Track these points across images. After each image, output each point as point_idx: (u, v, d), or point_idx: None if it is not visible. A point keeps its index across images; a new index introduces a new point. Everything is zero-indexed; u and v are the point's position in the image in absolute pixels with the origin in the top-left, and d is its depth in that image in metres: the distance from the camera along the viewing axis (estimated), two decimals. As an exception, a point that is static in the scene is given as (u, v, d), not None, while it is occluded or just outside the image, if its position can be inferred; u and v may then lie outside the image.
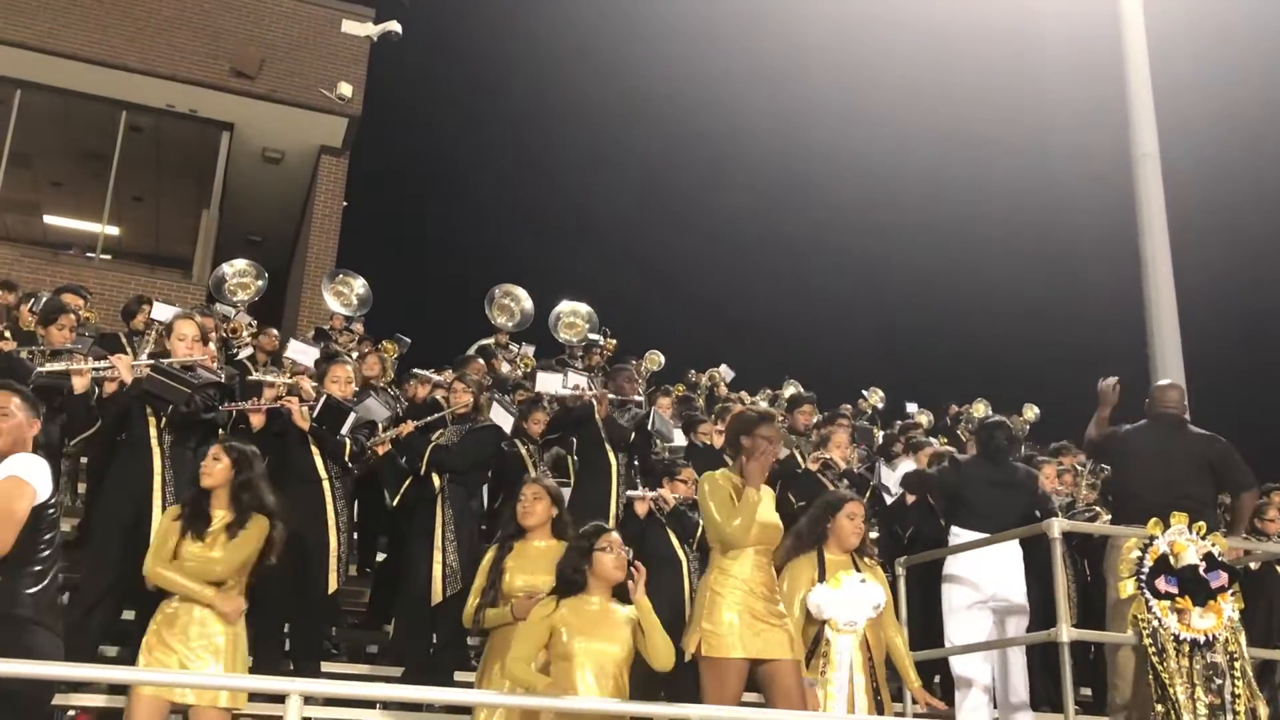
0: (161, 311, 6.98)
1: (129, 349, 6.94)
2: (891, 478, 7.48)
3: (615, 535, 4.35)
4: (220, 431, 5.90)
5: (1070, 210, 24.83)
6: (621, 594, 4.26)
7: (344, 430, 6.06)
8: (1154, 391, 6.45)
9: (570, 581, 4.22)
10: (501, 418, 6.86)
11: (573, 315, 11.60)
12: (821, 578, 5.16)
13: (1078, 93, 22.31)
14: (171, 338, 5.83)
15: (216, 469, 4.71)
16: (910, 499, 7.38)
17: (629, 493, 6.55)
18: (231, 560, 4.57)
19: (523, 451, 6.92)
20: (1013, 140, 25.62)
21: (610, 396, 7.53)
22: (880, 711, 4.80)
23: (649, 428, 7.44)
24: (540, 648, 4.12)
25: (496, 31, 26.62)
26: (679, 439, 7.80)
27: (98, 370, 5.44)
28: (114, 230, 16.68)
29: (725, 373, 13.37)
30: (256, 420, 5.94)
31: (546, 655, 4.15)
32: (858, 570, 5.18)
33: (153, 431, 5.47)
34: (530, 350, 11.56)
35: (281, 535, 4.75)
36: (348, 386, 6.30)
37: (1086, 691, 7.69)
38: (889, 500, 7.81)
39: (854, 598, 5.00)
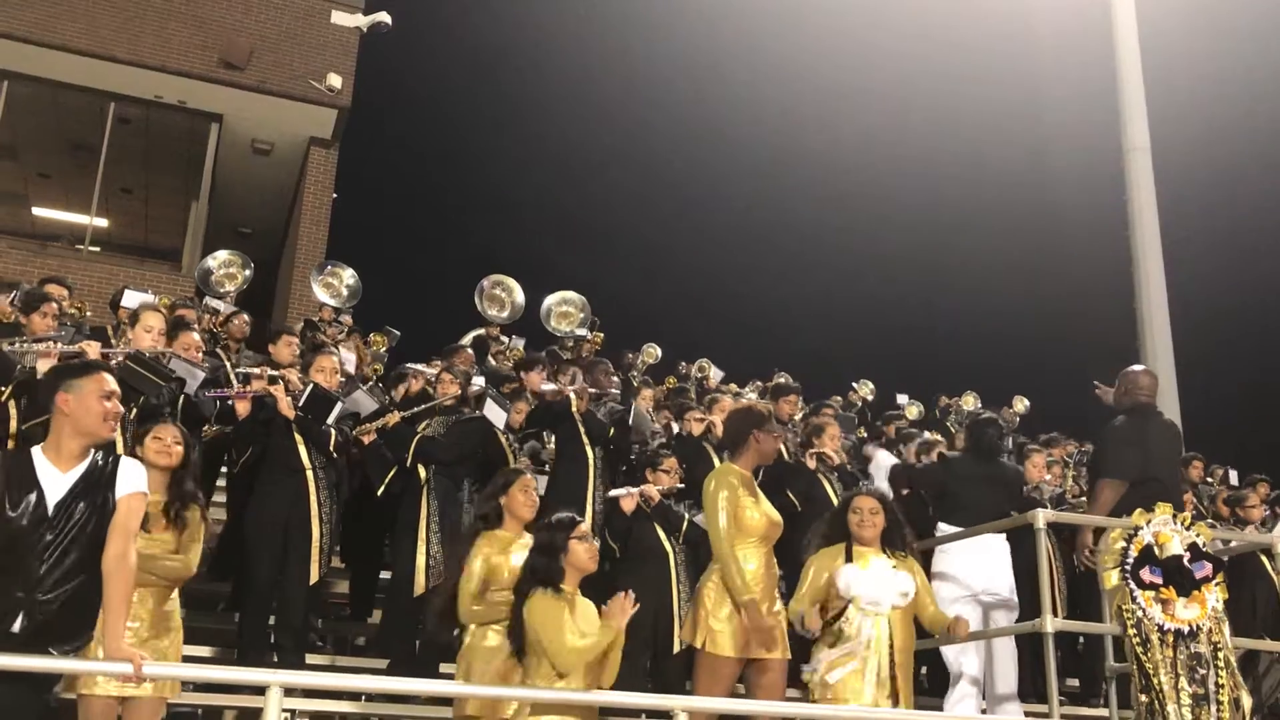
0: (131, 299, 6.91)
1: (114, 340, 6.89)
2: (874, 468, 7.42)
3: (586, 526, 4.33)
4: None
5: (1062, 204, 24.87)
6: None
7: (330, 420, 6.04)
8: (1130, 378, 6.21)
9: (548, 572, 4.19)
10: (495, 414, 6.85)
11: (564, 304, 11.58)
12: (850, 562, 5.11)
13: (1070, 87, 22.31)
14: (137, 328, 5.78)
15: (177, 451, 4.55)
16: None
17: (613, 491, 6.53)
18: (191, 560, 4.45)
19: (504, 442, 6.90)
20: (1005, 134, 25.66)
21: (590, 391, 7.51)
22: (895, 702, 4.74)
23: (628, 423, 7.39)
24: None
25: (487, 23, 26.56)
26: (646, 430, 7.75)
27: (66, 355, 5.37)
28: (103, 222, 16.62)
29: (714, 374, 13.37)
30: (242, 408, 5.92)
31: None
32: (890, 561, 5.06)
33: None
34: (520, 344, 11.54)
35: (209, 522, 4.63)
36: (333, 376, 6.29)
37: (1074, 682, 7.71)
38: None
39: (881, 579, 4.92)
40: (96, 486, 3.45)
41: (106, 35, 14.24)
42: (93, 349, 5.45)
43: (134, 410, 5.45)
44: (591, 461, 7.08)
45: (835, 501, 7.12)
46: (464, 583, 4.68)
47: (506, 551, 4.73)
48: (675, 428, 7.92)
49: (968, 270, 25.40)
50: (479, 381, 7.29)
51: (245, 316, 8.81)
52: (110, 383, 3.57)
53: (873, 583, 4.92)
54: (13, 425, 5.38)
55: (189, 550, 4.45)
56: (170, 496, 4.49)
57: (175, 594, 4.51)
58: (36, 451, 3.49)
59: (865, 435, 9.71)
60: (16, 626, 3.27)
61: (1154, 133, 12.48)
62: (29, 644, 3.28)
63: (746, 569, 4.77)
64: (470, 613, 4.64)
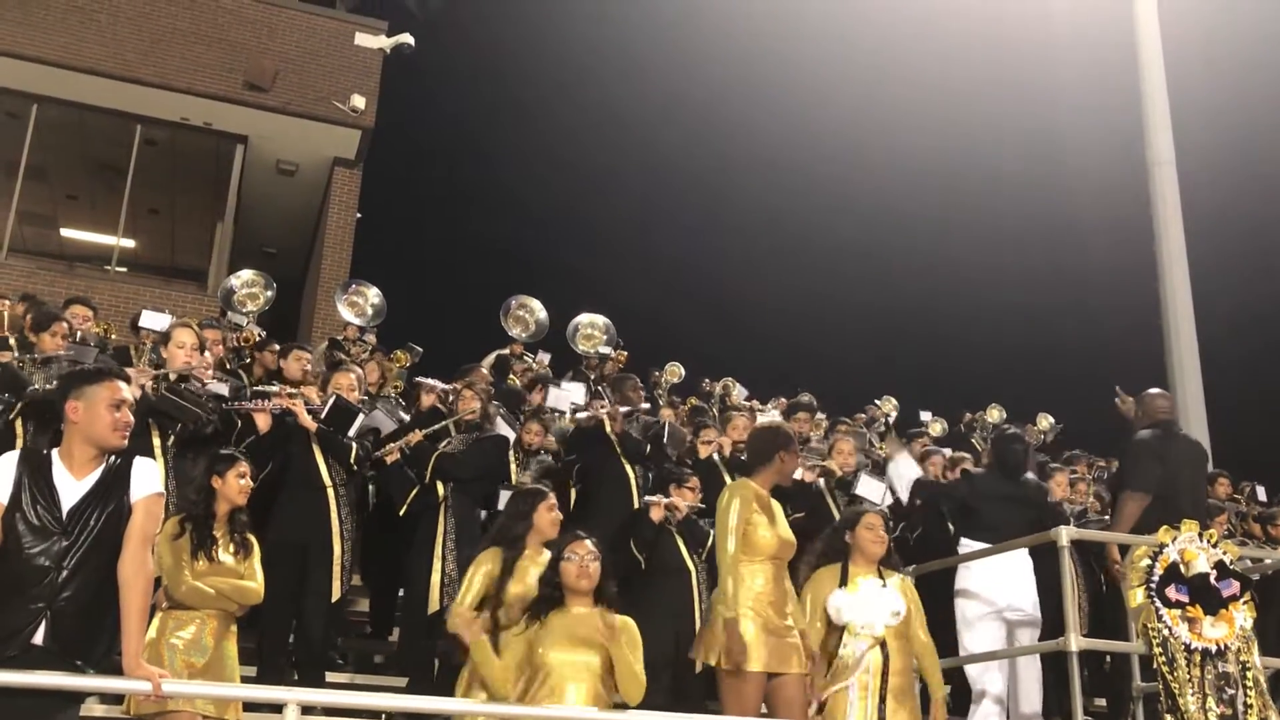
0: (150, 320, 6.96)
1: (135, 361, 6.95)
2: (870, 487, 7.29)
3: (587, 543, 4.32)
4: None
5: (1086, 217, 24.70)
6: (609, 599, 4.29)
7: (351, 433, 6.04)
8: (1148, 400, 6.32)
9: (549, 591, 4.22)
10: (504, 431, 6.87)
11: (590, 327, 11.67)
12: (844, 586, 5.09)
13: (1093, 100, 22.21)
14: (170, 345, 5.82)
15: (250, 487, 4.70)
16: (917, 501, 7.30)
17: (646, 498, 6.50)
18: (262, 586, 4.56)
19: (511, 460, 6.93)
20: (1027, 147, 25.54)
21: (622, 410, 7.51)
22: None
23: (662, 439, 7.40)
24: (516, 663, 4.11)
25: (510, 42, 26.73)
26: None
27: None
28: (129, 243, 16.77)
29: (738, 392, 13.33)
30: (263, 424, 5.91)
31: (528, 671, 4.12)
32: (882, 580, 5.07)
33: (156, 443, 5.46)
34: (546, 358, 11.58)
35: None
36: (351, 394, 6.30)
37: (1101, 702, 7.61)
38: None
39: (871, 602, 4.91)
40: (111, 490, 3.43)
41: (133, 59, 14.41)
42: (145, 375, 5.50)
43: (171, 437, 5.49)
44: (632, 480, 7.08)
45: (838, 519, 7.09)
46: (460, 594, 4.67)
47: (526, 572, 4.69)
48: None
49: (990, 285, 25.25)
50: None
51: (276, 347, 8.89)
52: (122, 391, 3.52)
53: (863, 605, 4.90)
54: (19, 445, 5.42)
55: (255, 575, 4.57)
56: (234, 526, 4.62)
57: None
58: (54, 455, 3.47)
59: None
60: (39, 638, 3.26)
61: (1179, 146, 12.37)
62: (53, 656, 3.26)
63: (754, 586, 4.70)
64: (458, 614, 4.60)
